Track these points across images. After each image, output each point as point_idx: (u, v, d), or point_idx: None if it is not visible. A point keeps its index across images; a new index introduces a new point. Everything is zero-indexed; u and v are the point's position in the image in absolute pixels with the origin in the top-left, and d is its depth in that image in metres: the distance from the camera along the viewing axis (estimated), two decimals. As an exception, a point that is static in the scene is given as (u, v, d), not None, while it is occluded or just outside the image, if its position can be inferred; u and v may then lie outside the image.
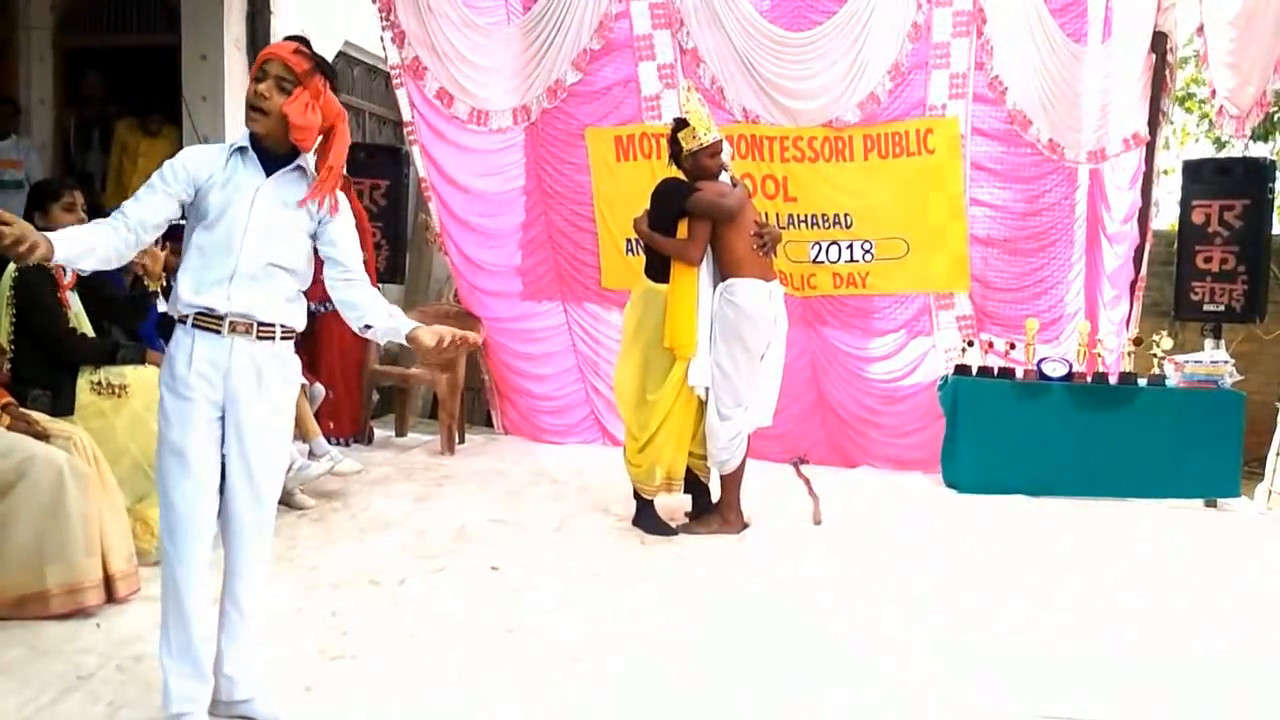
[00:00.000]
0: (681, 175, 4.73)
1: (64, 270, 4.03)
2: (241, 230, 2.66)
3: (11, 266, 3.99)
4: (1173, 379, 5.65)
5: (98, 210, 4.85)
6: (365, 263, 6.75)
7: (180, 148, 6.81)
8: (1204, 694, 3.23)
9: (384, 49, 6.47)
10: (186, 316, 2.67)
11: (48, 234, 2.39)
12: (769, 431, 5.17)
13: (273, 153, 2.72)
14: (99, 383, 4.13)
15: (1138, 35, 5.78)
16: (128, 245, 2.59)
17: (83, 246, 2.50)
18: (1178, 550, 4.76)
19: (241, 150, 2.73)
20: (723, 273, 4.69)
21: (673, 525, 4.85)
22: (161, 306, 4.18)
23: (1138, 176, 5.98)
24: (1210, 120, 7.13)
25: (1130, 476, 5.59)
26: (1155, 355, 5.71)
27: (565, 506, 5.19)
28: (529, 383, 6.90)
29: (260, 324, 2.71)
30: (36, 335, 4.03)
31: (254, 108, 2.69)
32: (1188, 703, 3.17)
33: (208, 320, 2.66)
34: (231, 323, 2.67)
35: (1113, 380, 5.66)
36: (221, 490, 2.72)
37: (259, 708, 2.84)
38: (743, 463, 4.81)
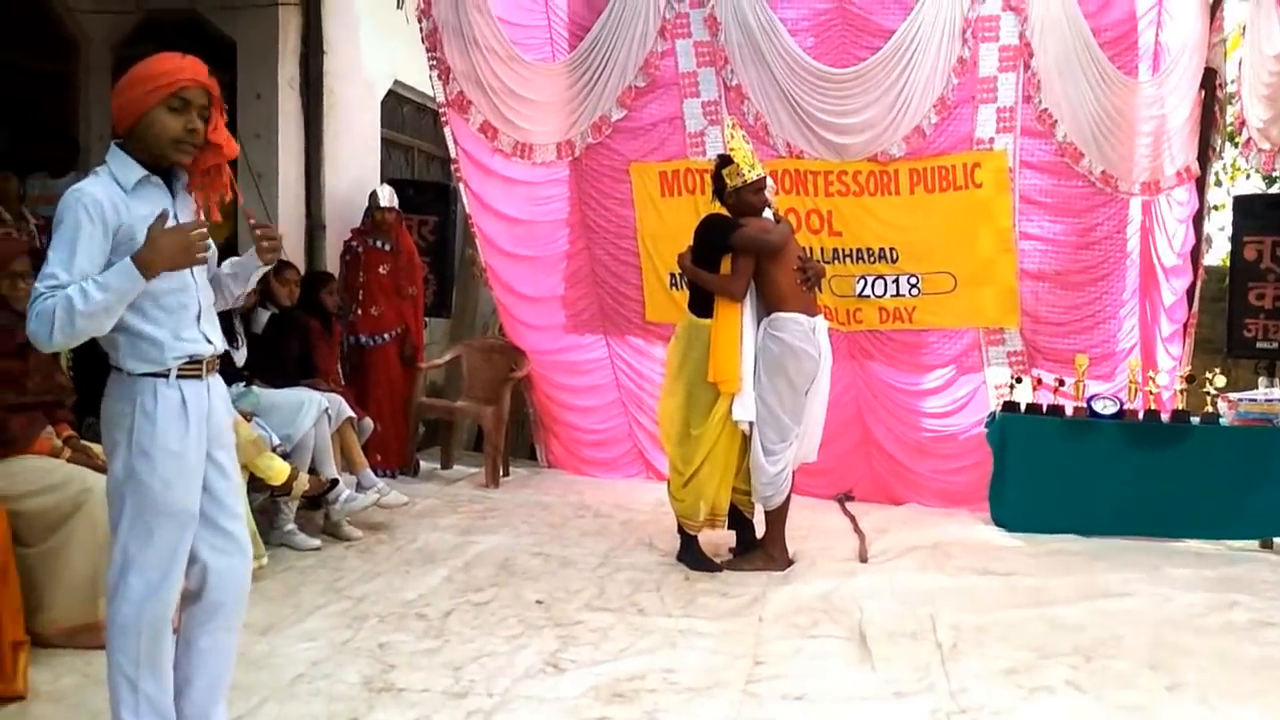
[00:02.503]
0: (725, 211, 4.76)
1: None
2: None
3: None
4: (1226, 417, 5.54)
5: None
6: (414, 297, 6.94)
7: (236, 182, 6.90)
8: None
9: (432, 85, 6.58)
10: (169, 370, 2.52)
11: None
12: (814, 467, 5.15)
13: (165, 172, 2.58)
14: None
15: (1188, 68, 5.73)
16: None
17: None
18: (1234, 592, 4.64)
19: (144, 179, 2.53)
20: (767, 307, 4.70)
21: (717, 561, 4.82)
22: None
23: (1191, 211, 5.91)
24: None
25: (1183, 516, 5.48)
26: (1208, 393, 5.61)
27: (609, 541, 5.19)
28: (573, 415, 6.92)
29: (219, 356, 2.65)
30: (94, 363, 4.09)
31: (187, 143, 2.53)
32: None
33: (190, 368, 2.55)
34: (208, 363, 2.60)
35: (1165, 418, 5.56)
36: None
37: None
38: (788, 499, 4.78)
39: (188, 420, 2.54)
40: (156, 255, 2.39)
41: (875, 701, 3.36)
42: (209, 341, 2.62)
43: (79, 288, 2.35)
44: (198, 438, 2.57)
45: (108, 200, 2.45)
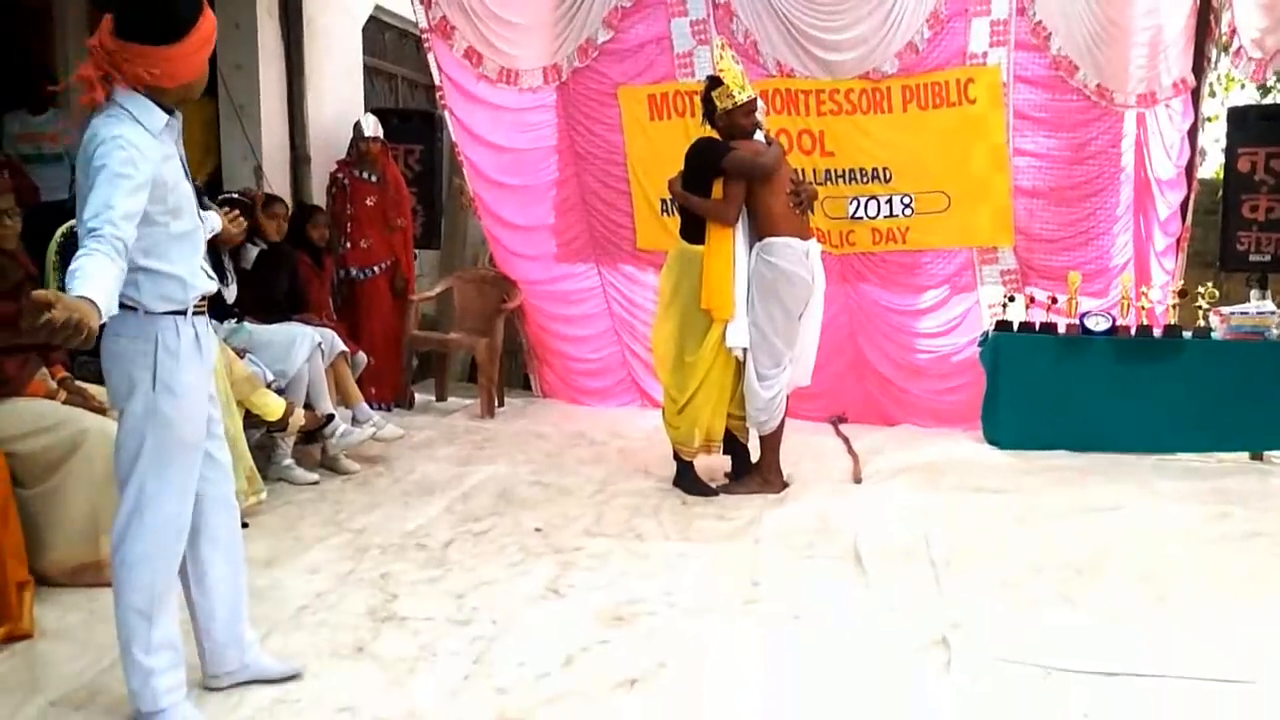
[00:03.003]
0: (715, 134, 4.70)
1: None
2: (191, 203, 2.61)
3: (60, 231, 4.03)
4: (1218, 331, 5.56)
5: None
6: (403, 228, 6.88)
7: (217, 116, 6.77)
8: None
9: (414, 10, 6.43)
10: (187, 308, 2.58)
11: (84, 297, 2.14)
12: (807, 391, 5.17)
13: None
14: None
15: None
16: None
17: (114, 292, 2.28)
18: (1226, 504, 4.70)
19: (167, 124, 2.53)
20: (759, 232, 4.67)
21: (713, 486, 4.87)
22: None
23: (1186, 123, 5.85)
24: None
25: (1175, 430, 5.52)
26: (1200, 307, 5.61)
27: (606, 468, 5.23)
28: (566, 345, 6.92)
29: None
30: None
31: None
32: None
33: (200, 305, 2.64)
34: (207, 299, 2.68)
35: (1157, 333, 5.58)
36: None
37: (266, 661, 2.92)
38: (782, 423, 4.81)
39: (201, 354, 2.64)
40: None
41: (871, 618, 3.42)
42: (210, 278, 2.69)
43: (90, 262, 2.24)
44: (208, 371, 2.70)
45: (145, 147, 2.44)
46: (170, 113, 2.55)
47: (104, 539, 3.46)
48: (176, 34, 2.45)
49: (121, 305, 2.41)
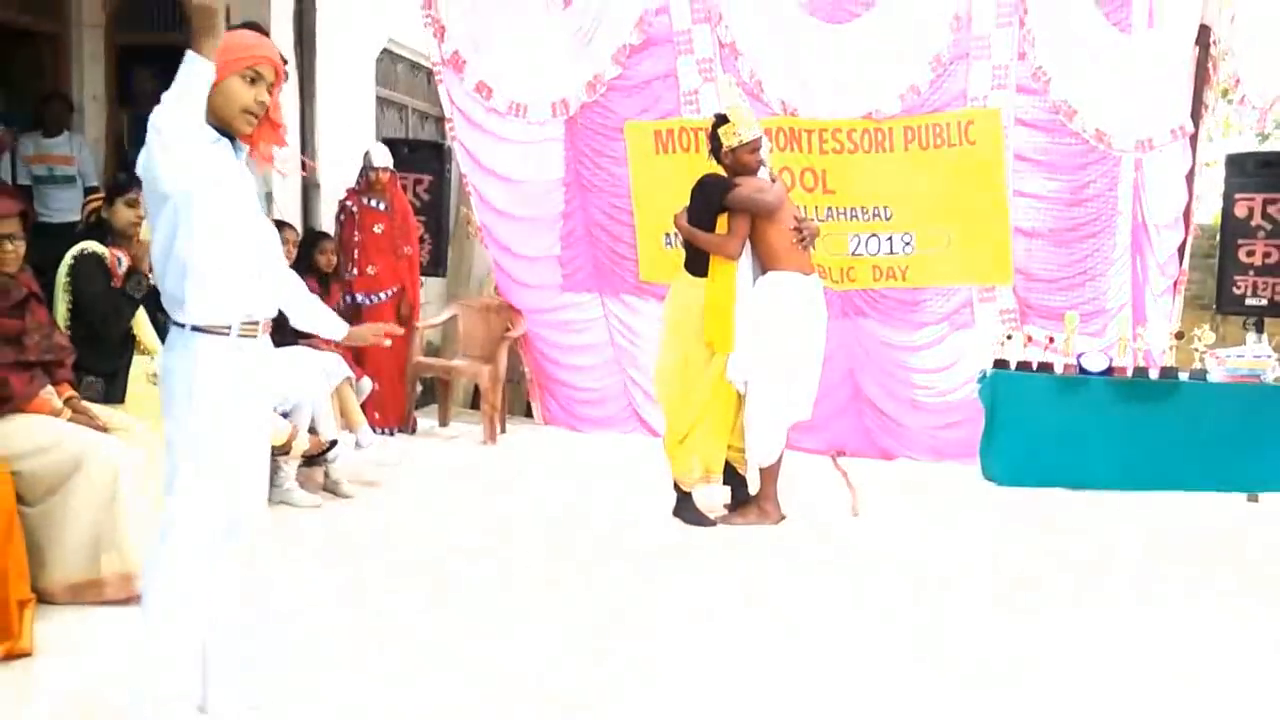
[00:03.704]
0: (721, 170, 4.77)
1: (118, 261, 4.13)
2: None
3: (70, 253, 4.09)
4: (1215, 373, 5.60)
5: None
6: (410, 256, 6.92)
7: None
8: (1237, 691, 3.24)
9: (427, 44, 6.54)
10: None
11: None
12: (807, 424, 5.20)
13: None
14: (155, 374, 4.23)
15: (1183, 23, 5.72)
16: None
17: None
18: (1220, 544, 4.73)
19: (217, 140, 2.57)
20: (762, 267, 4.73)
21: (711, 517, 4.90)
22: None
23: (1184, 168, 5.93)
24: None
25: (1171, 471, 5.54)
26: (1197, 350, 5.66)
27: (605, 497, 5.26)
28: (568, 374, 6.97)
29: None
30: (90, 321, 4.10)
31: (253, 113, 2.56)
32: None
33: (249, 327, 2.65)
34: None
35: (1154, 375, 5.62)
36: None
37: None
38: (781, 455, 4.85)
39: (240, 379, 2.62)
40: None
41: (864, 630, 3.48)
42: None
43: None
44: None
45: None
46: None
47: (105, 558, 3.51)
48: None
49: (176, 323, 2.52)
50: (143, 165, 2.48)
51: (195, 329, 2.52)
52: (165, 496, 2.59)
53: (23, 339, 3.67)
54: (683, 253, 4.96)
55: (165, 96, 2.44)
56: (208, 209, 2.50)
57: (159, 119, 2.43)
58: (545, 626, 3.58)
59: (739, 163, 4.70)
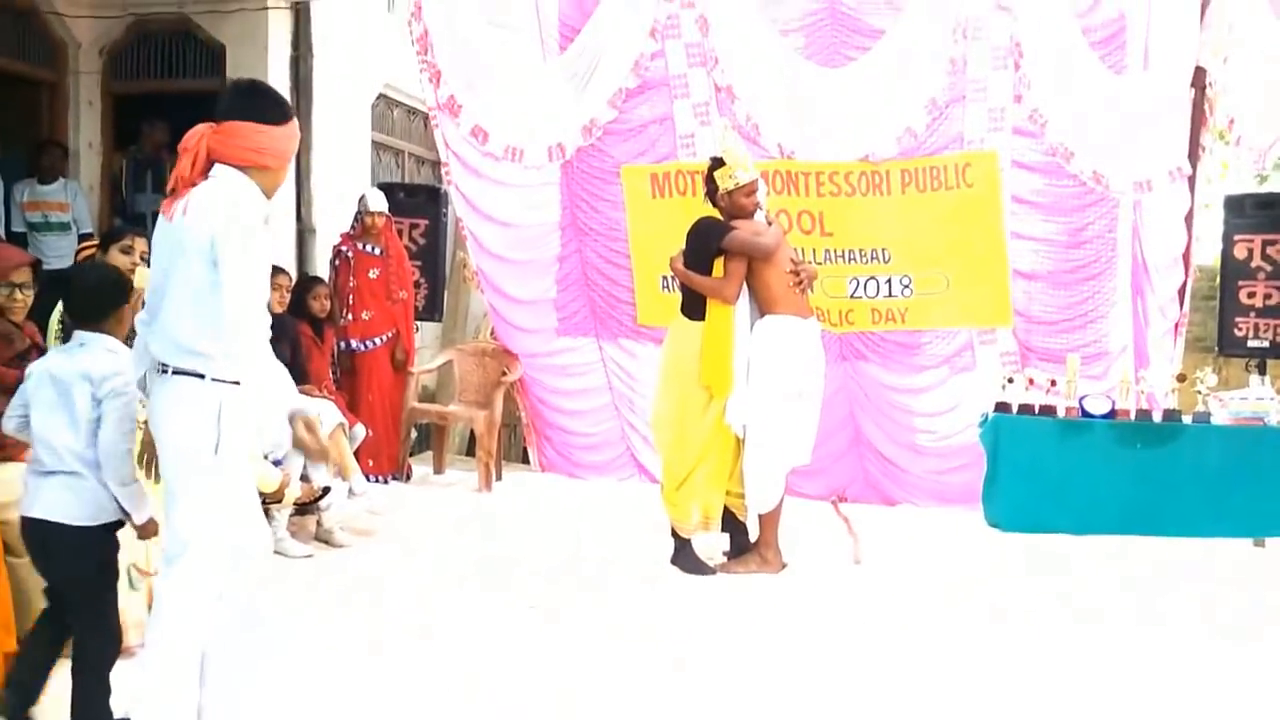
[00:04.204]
0: (717, 213, 4.75)
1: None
2: None
3: (61, 306, 4.04)
4: (1218, 416, 5.55)
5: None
6: (405, 301, 6.89)
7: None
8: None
9: (422, 89, 6.55)
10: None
11: None
12: (807, 469, 5.14)
13: None
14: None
15: (1178, 65, 5.74)
16: None
17: None
18: (1225, 590, 4.65)
19: None
20: (759, 310, 4.69)
21: (711, 565, 4.81)
22: None
23: (1182, 209, 5.91)
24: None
25: (1176, 515, 5.46)
26: (1200, 392, 5.61)
27: (603, 544, 5.17)
28: (564, 419, 6.91)
29: None
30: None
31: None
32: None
33: None
34: None
35: (1157, 418, 5.57)
36: None
37: None
38: (781, 501, 4.78)
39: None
40: None
41: (870, 684, 3.39)
42: None
43: None
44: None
45: None
46: None
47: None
48: (285, 116, 2.77)
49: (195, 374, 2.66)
50: (202, 228, 2.60)
51: (216, 380, 2.63)
52: (169, 546, 2.68)
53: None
54: (680, 296, 4.92)
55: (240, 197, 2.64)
56: (261, 266, 2.67)
57: (251, 212, 2.64)
58: (541, 676, 3.50)
59: (735, 206, 4.67)
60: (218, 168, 2.69)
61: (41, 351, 3.76)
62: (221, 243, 2.57)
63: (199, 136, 2.70)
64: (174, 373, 2.63)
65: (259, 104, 2.74)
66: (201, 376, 2.62)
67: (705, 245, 4.68)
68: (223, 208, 2.60)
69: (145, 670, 2.68)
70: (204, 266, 2.59)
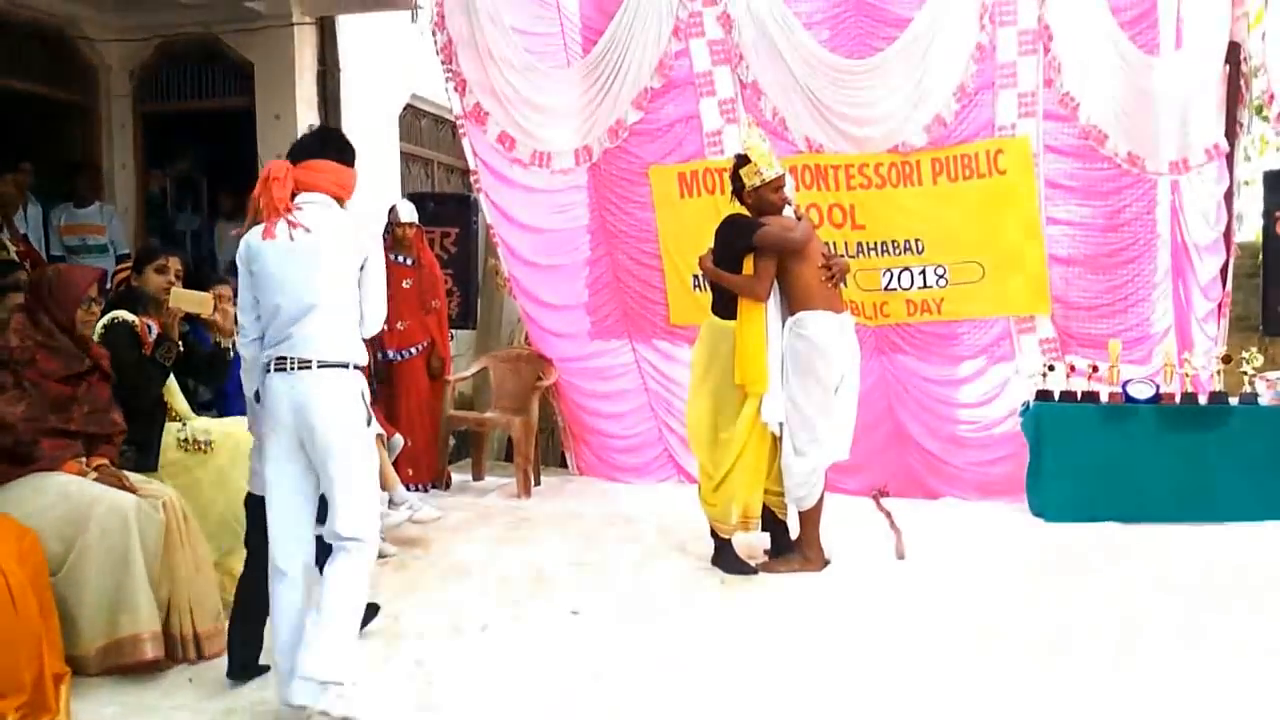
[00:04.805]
0: (745, 211, 4.72)
1: (147, 328, 4.13)
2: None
3: (100, 323, 4.08)
4: (1265, 397, 5.44)
5: (194, 268, 5.02)
6: (438, 310, 6.92)
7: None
8: None
9: (448, 98, 6.58)
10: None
11: None
12: (847, 465, 5.09)
13: None
14: (186, 439, 4.22)
15: (1212, 43, 5.64)
16: None
17: None
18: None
19: None
20: (792, 307, 4.65)
21: (752, 564, 4.78)
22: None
23: (1221, 188, 5.80)
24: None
25: (1225, 499, 5.37)
26: (1245, 373, 5.50)
27: (643, 547, 5.16)
28: (601, 422, 6.90)
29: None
30: (121, 390, 4.07)
31: None
32: None
33: (279, 361, 3.19)
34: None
35: (1203, 400, 5.47)
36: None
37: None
38: (821, 498, 4.73)
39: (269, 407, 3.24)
40: None
41: (921, 704, 3.33)
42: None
43: None
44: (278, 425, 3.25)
45: None
46: None
47: (123, 618, 3.39)
48: (355, 158, 3.36)
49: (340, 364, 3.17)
50: (354, 245, 3.20)
51: (356, 367, 3.16)
52: (343, 531, 3.14)
53: (70, 408, 3.66)
54: (710, 295, 4.90)
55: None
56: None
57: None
58: (586, 680, 3.49)
59: (763, 202, 4.64)
60: (314, 195, 3.17)
61: (107, 379, 3.81)
62: (373, 255, 3.22)
63: (285, 170, 3.15)
64: (319, 366, 3.07)
65: (339, 146, 3.33)
66: (346, 366, 3.11)
67: (734, 243, 4.65)
68: (362, 228, 3.23)
69: (322, 632, 3.01)
70: (354, 275, 3.17)
